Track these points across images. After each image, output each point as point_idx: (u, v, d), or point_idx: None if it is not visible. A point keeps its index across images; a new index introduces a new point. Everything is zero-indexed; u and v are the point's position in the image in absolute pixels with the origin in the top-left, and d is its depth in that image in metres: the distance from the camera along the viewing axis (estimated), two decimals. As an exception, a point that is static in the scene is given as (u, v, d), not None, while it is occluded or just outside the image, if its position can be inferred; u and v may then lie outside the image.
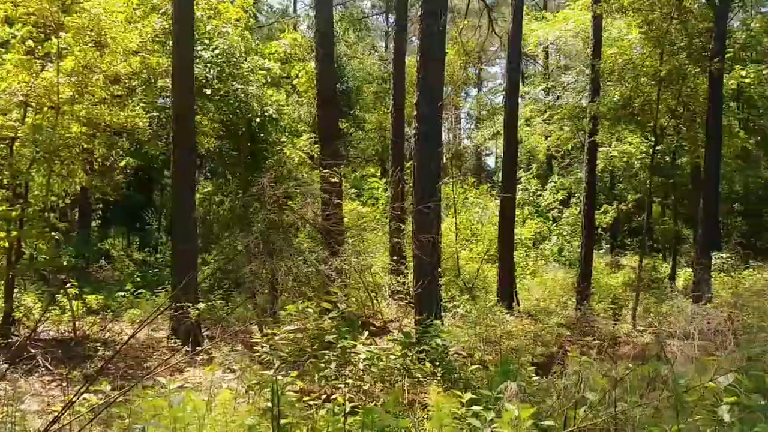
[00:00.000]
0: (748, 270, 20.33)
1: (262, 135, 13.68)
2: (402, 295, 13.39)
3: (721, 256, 22.34)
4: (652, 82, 16.67)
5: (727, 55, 17.73)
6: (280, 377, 6.29)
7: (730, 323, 12.35)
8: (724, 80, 17.61)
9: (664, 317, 13.62)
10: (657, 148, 19.24)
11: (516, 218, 21.87)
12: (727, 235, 34.07)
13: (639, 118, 18.21)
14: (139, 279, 15.68)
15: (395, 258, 14.60)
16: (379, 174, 23.39)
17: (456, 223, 19.62)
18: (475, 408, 5.54)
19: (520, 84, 31.06)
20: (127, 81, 12.58)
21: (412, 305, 11.10)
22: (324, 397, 6.70)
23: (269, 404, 5.54)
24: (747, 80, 18.68)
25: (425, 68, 9.89)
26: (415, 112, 10.05)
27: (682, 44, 16.56)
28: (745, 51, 27.72)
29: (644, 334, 13.83)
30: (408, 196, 13.21)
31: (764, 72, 23.44)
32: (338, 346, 7.61)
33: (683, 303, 14.16)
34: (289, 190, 11.18)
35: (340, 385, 7.24)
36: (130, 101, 12.92)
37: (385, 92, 26.56)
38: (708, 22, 16.43)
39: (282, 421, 5.42)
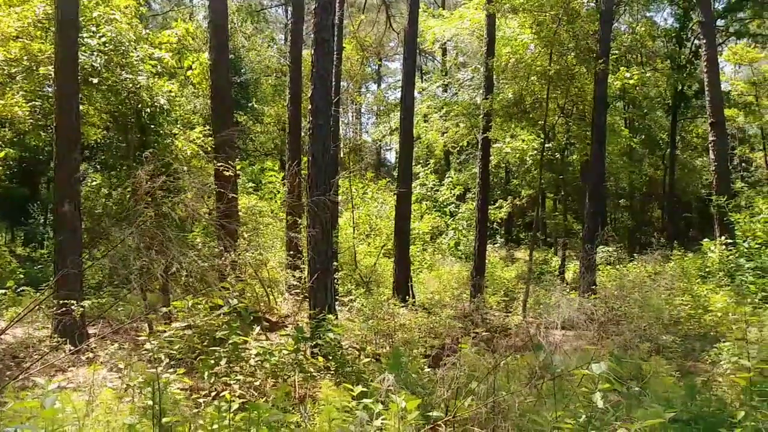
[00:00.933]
0: (632, 263, 21.33)
1: (152, 126, 13.30)
2: (298, 290, 13.33)
3: (607, 250, 23.35)
4: (543, 81, 17.21)
5: (613, 56, 18.55)
6: (166, 375, 6.17)
7: (613, 313, 12.98)
8: (610, 81, 18.42)
9: (552, 308, 14.13)
10: (548, 145, 19.94)
11: (414, 213, 22.18)
12: (614, 230, 35.67)
13: (531, 116, 18.76)
14: (22, 276, 14.94)
15: (292, 253, 14.51)
16: (277, 168, 23.17)
17: (354, 217, 19.71)
18: (365, 401, 5.60)
19: (419, 80, 31.51)
20: (5, 67, 11.96)
21: (307, 300, 11.07)
22: (213, 394, 6.61)
23: (151, 402, 5.43)
24: (631, 81, 19.60)
25: (319, 62, 9.87)
26: (310, 106, 10.01)
27: (570, 45, 17.18)
28: (631, 53, 29.09)
29: (533, 325, 14.31)
30: (305, 191, 13.17)
31: (647, 74, 24.66)
32: (229, 342, 7.52)
33: (570, 295, 14.73)
34: (180, 184, 10.92)
35: (230, 382, 7.16)
36: (9, 89, 12.28)
37: (283, 85, 26.34)
38: (595, 25, 17.13)
39: (164, 420, 5.32)
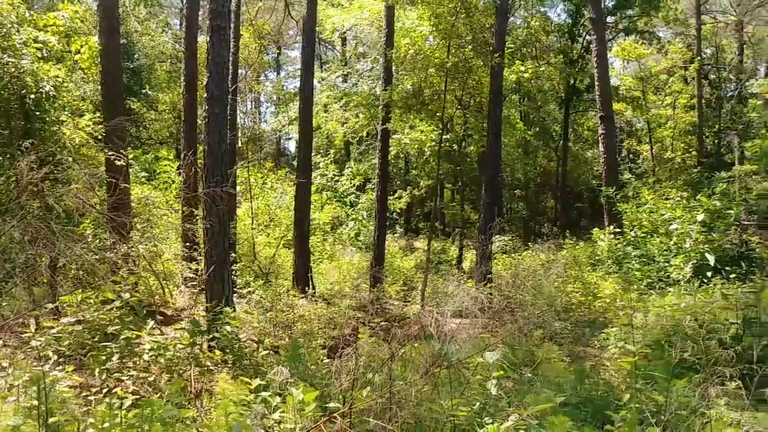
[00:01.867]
0: (526, 252, 21.95)
1: (38, 113, 12.63)
2: (195, 283, 13.03)
3: (503, 239, 23.93)
4: (441, 73, 17.42)
5: (509, 50, 18.97)
6: (54, 373, 5.90)
7: (508, 301, 13.31)
8: (506, 74, 18.83)
9: (449, 297, 14.37)
10: (446, 136, 20.23)
11: (314, 203, 22.06)
12: (509, 220, 36.63)
13: (429, 107, 18.97)
14: None
15: (188, 244, 14.16)
16: (172, 157, 22.52)
17: (253, 208, 19.42)
18: (263, 394, 5.53)
19: (318, 70, 31.32)
20: None
21: (204, 292, 10.82)
22: (105, 391, 6.37)
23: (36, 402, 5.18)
24: (526, 75, 20.09)
25: (215, 49, 9.61)
26: (206, 94, 9.75)
27: (468, 38, 17.46)
28: (526, 47, 29.85)
29: (431, 313, 14.50)
30: (201, 181, 12.84)
31: (541, 68, 25.38)
32: (122, 337, 7.27)
33: (467, 284, 15.01)
34: (68, 174, 10.44)
35: (123, 378, 6.92)
36: None
37: (178, 72, 25.63)
38: (491, 18, 17.46)
39: (51, 420, 5.08)
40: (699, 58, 30.63)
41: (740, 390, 6.21)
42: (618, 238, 19.92)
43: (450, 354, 6.79)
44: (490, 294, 13.02)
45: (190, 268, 13.34)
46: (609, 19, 29.92)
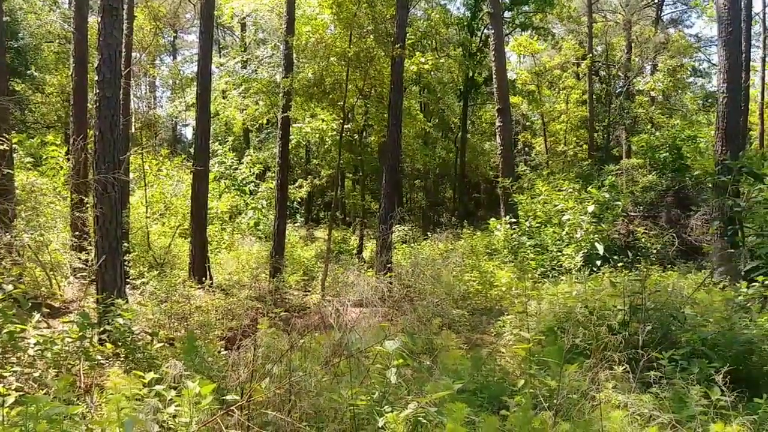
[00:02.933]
0: (426, 241, 22.24)
1: None
2: (85, 274, 12.49)
3: (403, 229, 24.17)
4: (342, 63, 17.34)
5: (410, 41, 19.10)
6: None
7: (407, 290, 13.44)
8: (407, 65, 18.95)
9: (350, 287, 14.37)
10: (347, 126, 20.17)
11: (212, 192, 21.55)
12: (409, 210, 37.03)
13: (331, 97, 18.85)
14: None
15: (78, 233, 13.54)
16: (60, 142, 21.48)
17: (147, 196, 18.80)
18: (158, 387, 5.36)
19: (216, 55, 30.60)
20: None
21: (95, 284, 10.39)
22: (-15, 389, 6.02)
23: None
24: (426, 66, 20.27)
25: (107, 30, 9.20)
26: (97, 77, 9.32)
27: (369, 28, 17.45)
28: (426, 39, 30.18)
29: (331, 303, 14.47)
30: (92, 167, 12.30)
31: (441, 60, 25.71)
32: (4, 331, 6.89)
33: (368, 273, 15.06)
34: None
35: (5, 374, 6.56)
36: None
37: (68, 53, 24.47)
38: (393, 9, 17.51)
39: None
40: (590, 55, 31.77)
41: (627, 374, 6.49)
42: (514, 228, 20.48)
43: (350, 344, 6.78)
44: (390, 283, 13.11)
45: (80, 259, 12.77)
46: (506, 14, 30.64)
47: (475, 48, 31.57)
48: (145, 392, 5.36)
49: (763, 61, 32.61)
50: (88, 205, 12.95)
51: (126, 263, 12.25)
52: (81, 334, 7.26)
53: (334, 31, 18.35)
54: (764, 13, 32.93)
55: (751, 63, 26.72)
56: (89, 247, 12.62)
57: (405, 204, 37.29)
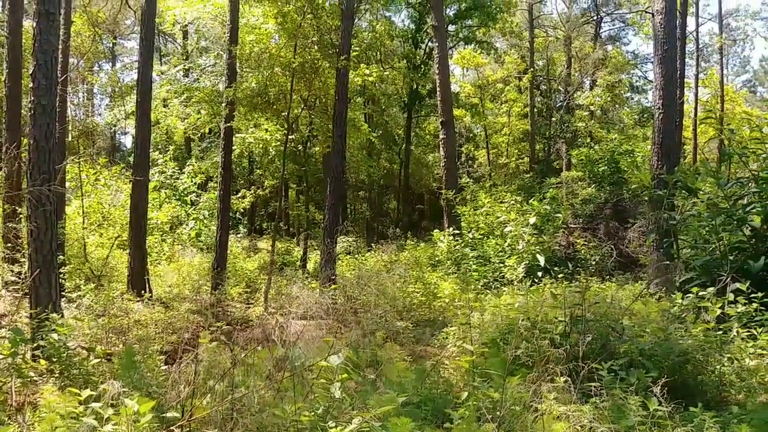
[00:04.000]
0: (370, 252, 22.24)
1: None
2: (17, 287, 12.09)
3: (347, 240, 24.14)
4: (287, 73, 17.25)
5: (354, 53, 19.10)
6: None
7: (352, 303, 13.40)
8: (352, 77, 18.96)
9: (294, 299, 14.24)
10: (291, 136, 20.05)
11: (152, 202, 21.14)
12: (353, 221, 37.01)
13: (275, 107, 18.73)
14: None
15: (10, 245, 13.12)
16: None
17: (84, 206, 18.32)
18: (94, 405, 5.20)
19: (158, 63, 30.13)
20: None
21: (28, 297, 10.05)
22: None
23: None
24: (371, 78, 20.31)
25: (42, 35, 8.95)
26: (32, 84, 9.05)
27: (314, 38, 17.40)
28: (371, 51, 30.29)
29: (274, 316, 14.31)
30: (26, 177, 11.94)
31: (386, 72, 25.81)
32: (-74, 349, 6.61)
33: (312, 285, 14.96)
34: None
35: (-70, 393, 6.30)
36: None
37: (0, 57, 23.78)
38: (338, 20, 17.51)
39: None
40: (532, 69, 32.39)
41: (568, 385, 6.56)
42: (457, 240, 20.64)
43: (294, 358, 6.70)
44: (335, 296, 13.04)
45: (12, 271, 12.38)
46: (450, 27, 30.96)
47: (420, 60, 31.82)
48: (80, 410, 5.22)
49: (696, 78, 33.76)
50: (21, 216, 12.57)
51: (61, 276, 11.88)
52: (13, 350, 7.00)
53: (279, 41, 18.24)
54: (697, 33, 34.12)
55: (686, 80, 27.55)
56: (22, 260, 12.23)
57: (349, 215, 37.28)
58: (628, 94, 39.37)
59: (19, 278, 11.85)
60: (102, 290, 12.90)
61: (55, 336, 7.82)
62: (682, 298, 9.57)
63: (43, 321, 8.23)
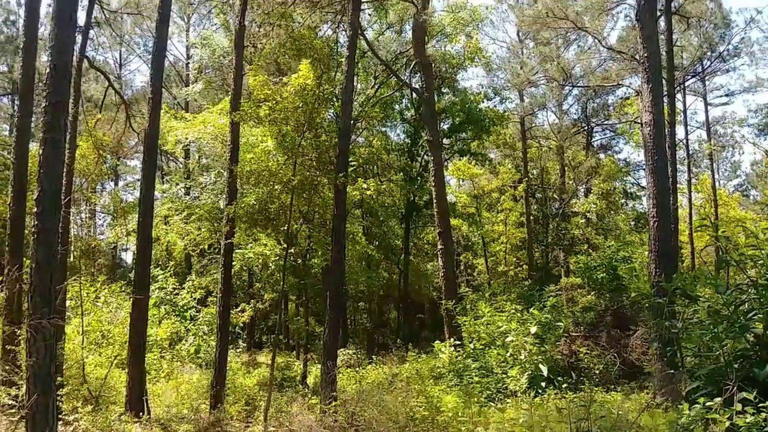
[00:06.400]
0: (371, 364, 21.99)
1: None
2: (14, 410, 11.88)
3: (348, 352, 23.90)
4: (287, 190, 17.57)
5: (352, 168, 19.56)
6: None
7: (353, 419, 13.16)
8: (350, 190, 19.31)
9: (294, 417, 13.99)
10: (290, 250, 20.19)
11: (152, 318, 21.04)
12: (354, 333, 36.76)
13: (274, 222, 18.96)
14: None
15: (8, 367, 12.98)
16: (-5, 270, 20.90)
17: (84, 324, 18.23)
18: None
19: (159, 181, 30.71)
20: None
21: (25, 422, 9.88)
22: None
23: None
24: (368, 192, 20.68)
25: (48, 162, 9.19)
26: (37, 209, 9.23)
27: (313, 156, 17.83)
28: (369, 165, 31.00)
29: (274, 435, 14.01)
30: (27, 298, 11.96)
31: (383, 185, 26.32)
32: None
33: (312, 400, 14.73)
34: None
35: None
36: None
37: (6, 180, 24.26)
38: (336, 137, 17.99)
39: None
40: (526, 178, 33.05)
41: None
42: (458, 351, 20.45)
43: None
44: (335, 412, 12.83)
45: (9, 394, 12.19)
46: (445, 141, 31.80)
47: (416, 173, 32.48)
48: None
49: (689, 184, 34.41)
50: (21, 338, 12.50)
51: (59, 398, 11.71)
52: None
53: (278, 157, 18.67)
54: (687, 140, 35.06)
55: (678, 185, 28.10)
56: (20, 382, 12.09)
57: (350, 326, 37.00)
58: (623, 200, 39.96)
59: (17, 401, 11.68)
60: (100, 413, 12.69)
61: (51, 464, 7.67)
62: (689, 409, 9.43)
63: (39, 448, 8.08)
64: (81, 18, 15.84)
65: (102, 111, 20.13)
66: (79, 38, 15.46)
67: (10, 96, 36.22)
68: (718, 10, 29.78)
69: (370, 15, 29.26)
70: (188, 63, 39.68)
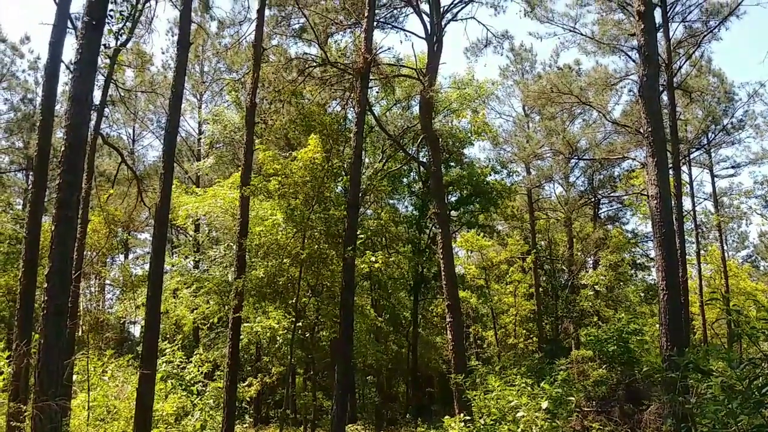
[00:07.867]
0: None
1: None
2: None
3: (356, 428, 23.49)
4: (296, 263, 17.65)
5: (360, 240, 19.64)
6: None
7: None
8: (358, 263, 19.36)
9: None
10: (298, 324, 20.12)
11: (158, 392, 20.78)
12: (362, 407, 36.18)
13: (283, 295, 18.97)
14: None
15: (13, 445, 12.82)
16: (3, 345, 20.79)
17: (90, 399, 18.05)
18: None
19: (169, 255, 30.80)
20: None
21: (27, 501, 9.74)
22: None
23: None
24: (377, 264, 20.71)
25: (59, 238, 9.34)
26: (47, 284, 9.32)
27: (321, 228, 17.99)
28: (377, 237, 31.08)
29: None
30: (33, 373, 11.90)
31: (391, 258, 26.34)
32: None
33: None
34: None
35: None
36: None
37: (17, 254, 24.44)
38: (344, 211, 18.17)
39: None
40: (534, 250, 33.02)
41: None
42: (468, 426, 20.04)
43: None
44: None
45: (13, 473, 12.01)
46: (453, 213, 31.96)
47: (424, 245, 32.52)
48: None
49: (698, 255, 34.30)
50: (26, 415, 12.40)
51: (62, 477, 11.54)
52: None
53: (286, 230, 18.80)
54: (694, 212, 35.12)
55: (687, 257, 28.01)
56: (25, 461, 11.92)
57: (358, 400, 36.45)
58: (632, 272, 39.77)
59: (20, 481, 11.51)
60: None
61: None
62: (706, 489, 9.20)
63: None
64: (96, 97, 16.31)
65: (114, 185, 20.42)
66: (93, 116, 15.85)
67: (24, 171, 36.78)
68: (721, 85, 30.25)
69: (377, 92, 29.86)
70: (200, 138, 40.35)
